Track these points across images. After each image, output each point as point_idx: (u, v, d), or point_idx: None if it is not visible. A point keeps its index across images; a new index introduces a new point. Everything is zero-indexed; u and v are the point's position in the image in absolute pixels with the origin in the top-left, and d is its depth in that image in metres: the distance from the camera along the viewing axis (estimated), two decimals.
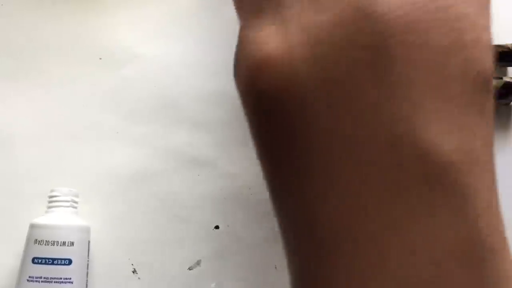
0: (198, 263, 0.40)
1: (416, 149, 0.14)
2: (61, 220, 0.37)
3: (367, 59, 0.14)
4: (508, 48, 0.40)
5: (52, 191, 0.38)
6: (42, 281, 0.35)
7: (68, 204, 0.38)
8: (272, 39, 0.15)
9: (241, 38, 0.16)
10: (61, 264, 0.36)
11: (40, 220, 0.37)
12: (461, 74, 0.14)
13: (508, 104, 0.41)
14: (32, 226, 0.37)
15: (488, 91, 0.15)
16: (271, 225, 0.37)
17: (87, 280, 0.38)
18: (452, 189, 0.14)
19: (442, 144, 0.14)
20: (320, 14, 0.14)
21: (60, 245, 0.36)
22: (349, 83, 0.14)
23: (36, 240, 0.36)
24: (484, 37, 0.15)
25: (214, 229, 0.40)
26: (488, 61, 0.15)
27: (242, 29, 0.16)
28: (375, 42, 0.14)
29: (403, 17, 0.14)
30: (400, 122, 0.14)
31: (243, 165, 0.41)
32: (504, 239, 0.16)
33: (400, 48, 0.14)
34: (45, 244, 0.36)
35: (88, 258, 0.38)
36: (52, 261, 0.36)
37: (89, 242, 0.38)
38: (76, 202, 0.39)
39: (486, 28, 0.15)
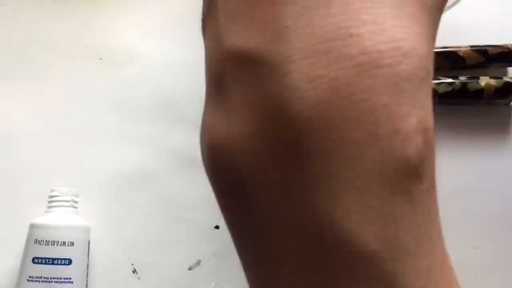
0: (198, 263, 0.40)
1: (339, 239, 0.14)
2: (61, 220, 0.37)
3: (292, 153, 0.15)
4: (508, 48, 0.40)
5: (52, 191, 0.38)
6: (42, 281, 0.35)
7: (68, 204, 0.38)
8: (217, 128, 0.16)
9: (203, 117, 0.17)
10: (61, 264, 0.36)
11: (40, 220, 0.37)
12: (378, 166, 0.14)
13: (508, 104, 0.41)
14: (32, 226, 0.37)
15: (417, 176, 0.15)
16: None
17: (87, 280, 0.38)
18: (377, 277, 0.15)
19: (363, 234, 0.14)
20: (250, 109, 0.15)
21: (60, 245, 0.36)
22: (280, 173, 0.15)
23: (36, 240, 0.36)
24: (404, 125, 0.14)
25: (214, 229, 0.40)
26: (412, 147, 0.14)
27: (204, 107, 0.17)
28: (297, 138, 0.14)
29: (320, 114, 0.14)
30: (323, 213, 0.14)
31: None
32: None
33: (318, 144, 0.14)
34: (45, 244, 0.36)
35: (88, 258, 0.38)
36: (52, 261, 0.36)
37: (89, 242, 0.38)
38: (76, 202, 0.39)
39: (408, 115, 0.14)
